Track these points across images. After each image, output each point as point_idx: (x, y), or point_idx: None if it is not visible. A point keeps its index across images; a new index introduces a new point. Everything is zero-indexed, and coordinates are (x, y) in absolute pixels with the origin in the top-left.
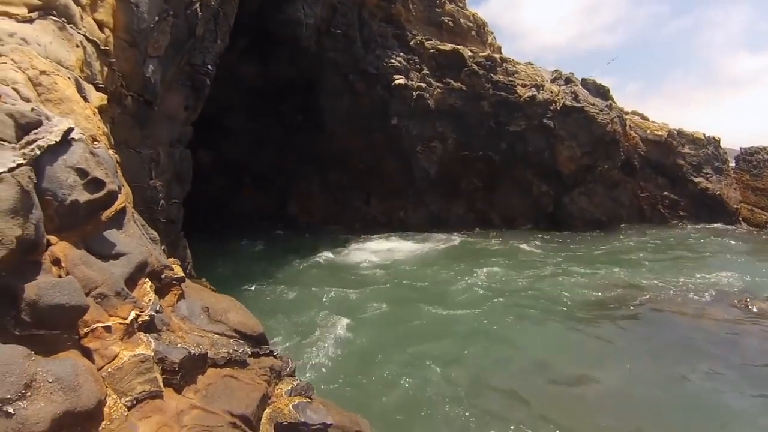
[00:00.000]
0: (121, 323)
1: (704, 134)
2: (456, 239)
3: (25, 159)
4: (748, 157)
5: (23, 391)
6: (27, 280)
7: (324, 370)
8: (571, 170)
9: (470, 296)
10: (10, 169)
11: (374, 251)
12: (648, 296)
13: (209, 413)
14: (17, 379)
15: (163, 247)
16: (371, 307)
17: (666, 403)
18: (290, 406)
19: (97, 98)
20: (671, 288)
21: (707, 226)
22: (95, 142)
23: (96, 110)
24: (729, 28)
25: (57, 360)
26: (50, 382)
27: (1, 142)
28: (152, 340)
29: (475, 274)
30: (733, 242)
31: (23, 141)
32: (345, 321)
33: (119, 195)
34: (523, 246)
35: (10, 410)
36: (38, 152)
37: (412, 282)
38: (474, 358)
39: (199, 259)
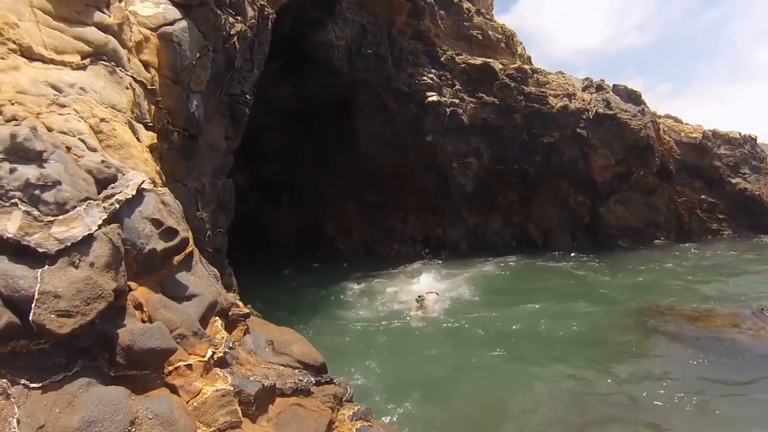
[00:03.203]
0: (200, 361)
1: (740, 133)
2: (497, 265)
3: (106, 213)
4: None
5: (129, 428)
6: (117, 325)
7: (377, 398)
8: (606, 179)
9: (512, 329)
10: (100, 226)
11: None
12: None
13: None
14: (123, 417)
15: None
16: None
17: None
18: (354, 430)
19: (148, 137)
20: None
21: (750, 240)
22: (156, 186)
23: (148, 149)
24: (756, 17)
25: (152, 398)
26: (150, 419)
27: (89, 200)
28: (228, 375)
29: (519, 305)
30: None
31: (102, 195)
32: (386, 353)
33: (189, 240)
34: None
35: None
36: (117, 206)
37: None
38: (525, 381)
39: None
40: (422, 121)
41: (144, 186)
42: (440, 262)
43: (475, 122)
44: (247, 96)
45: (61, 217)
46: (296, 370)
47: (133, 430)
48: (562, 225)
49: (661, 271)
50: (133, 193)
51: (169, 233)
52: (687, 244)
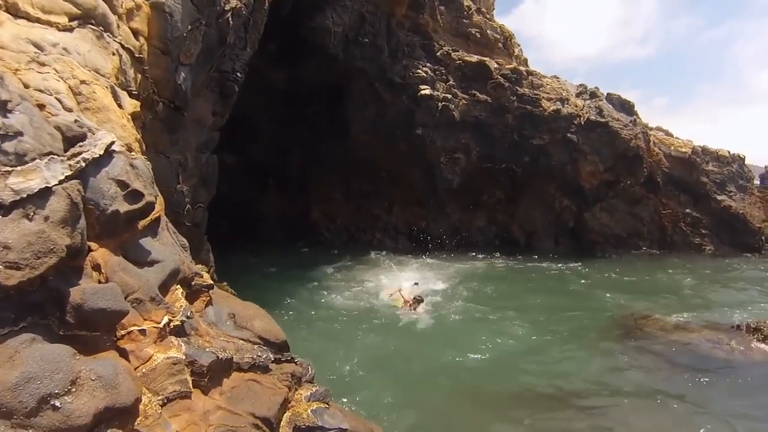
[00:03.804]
0: (155, 327)
1: (729, 151)
2: (479, 264)
3: (71, 171)
4: None
5: (69, 387)
6: (72, 285)
7: (344, 381)
8: (593, 185)
9: (489, 328)
10: (61, 182)
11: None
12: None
13: (234, 414)
14: (64, 376)
15: (211, 269)
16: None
17: None
18: (309, 410)
19: (131, 105)
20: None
21: (732, 257)
22: (131, 152)
23: (130, 116)
24: (760, 41)
25: (98, 360)
26: (93, 380)
27: (53, 155)
28: (183, 344)
29: (499, 305)
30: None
31: (69, 153)
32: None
33: (155, 205)
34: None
35: (57, 404)
36: (83, 165)
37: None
38: (499, 380)
39: (222, 264)
40: (413, 113)
41: (114, 148)
42: (423, 256)
43: (466, 119)
44: (238, 74)
45: (19, 168)
46: (256, 346)
47: (74, 390)
48: (546, 227)
49: (641, 281)
50: (101, 153)
51: (134, 196)
52: (669, 257)
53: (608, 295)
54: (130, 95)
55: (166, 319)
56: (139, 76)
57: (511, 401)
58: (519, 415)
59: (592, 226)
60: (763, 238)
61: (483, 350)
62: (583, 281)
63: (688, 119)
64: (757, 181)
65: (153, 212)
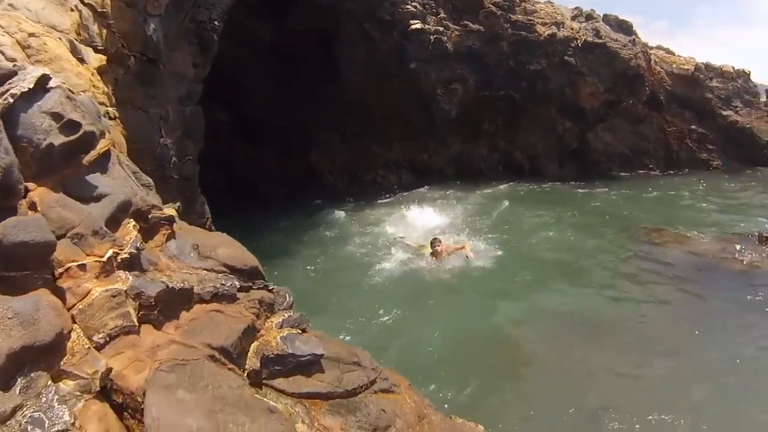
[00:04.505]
0: (97, 261)
1: (733, 67)
2: (488, 192)
3: None
4: None
5: None
6: None
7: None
8: (593, 106)
9: (507, 256)
10: None
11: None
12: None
13: (188, 347)
14: None
15: (178, 205)
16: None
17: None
18: (278, 337)
19: (96, 60)
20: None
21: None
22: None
23: (95, 71)
24: None
25: (21, 298)
26: (9, 318)
27: None
28: (131, 277)
29: (514, 233)
30: None
31: None
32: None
33: (102, 138)
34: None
35: None
36: (11, 100)
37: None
38: (500, 317)
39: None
40: (405, 49)
41: (51, 84)
42: (428, 189)
43: (459, 49)
44: (215, 23)
45: None
46: (221, 275)
47: None
48: (549, 151)
49: (650, 197)
50: (30, 86)
51: (70, 127)
52: (676, 173)
53: (619, 212)
54: (96, 50)
55: (110, 253)
56: (104, 30)
57: (532, 324)
58: (544, 336)
59: (596, 146)
60: None
61: (502, 279)
62: (592, 201)
63: (688, 42)
64: (763, 98)
65: (99, 146)
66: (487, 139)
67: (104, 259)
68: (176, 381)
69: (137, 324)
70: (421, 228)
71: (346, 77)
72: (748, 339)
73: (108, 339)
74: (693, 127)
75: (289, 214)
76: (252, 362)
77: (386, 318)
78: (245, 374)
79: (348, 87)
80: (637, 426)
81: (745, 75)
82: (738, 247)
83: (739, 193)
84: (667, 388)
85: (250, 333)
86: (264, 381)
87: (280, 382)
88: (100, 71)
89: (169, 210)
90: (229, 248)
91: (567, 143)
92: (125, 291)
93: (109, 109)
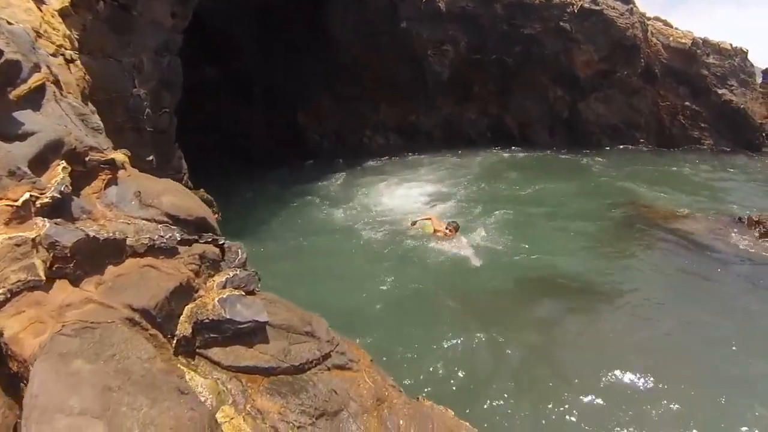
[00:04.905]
0: (9, 205)
1: (731, 44)
2: (478, 159)
3: None
4: None
5: None
6: None
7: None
8: (587, 75)
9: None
10: None
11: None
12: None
13: (105, 307)
14: None
15: (151, 157)
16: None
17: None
18: (216, 300)
19: (58, 1)
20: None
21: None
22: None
23: (55, 13)
24: None
25: None
26: None
27: None
28: (48, 224)
29: (500, 202)
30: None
31: None
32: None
33: (35, 73)
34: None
35: None
36: None
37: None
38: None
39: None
40: (397, 8)
41: None
42: (417, 154)
43: (453, 10)
44: None
45: None
46: (161, 226)
47: None
48: (540, 118)
49: (640, 172)
50: None
51: None
52: (667, 149)
53: (610, 185)
54: None
55: (27, 196)
56: None
57: (526, 290)
58: (533, 304)
59: (588, 116)
60: (764, 134)
61: (500, 242)
62: (583, 172)
63: (682, 19)
64: (759, 78)
65: (31, 80)
66: (478, 104)
67: (18, 203)
68: (77, 348)
69: (44, 278)
70: (410, 197)
71: (335, 36)
72: (734, 317)
73: (9, 295)
74: (687, 103)
75: (275, 174)
76: (183, 327)
77: (364, 289)
78: (174, 342)
79: (337, 46)
80: (619, 394)
81: (742, 54)
82: (727, 228)
83: (730, 176)
84: (651, 358)
85: (185, 293)
86: (198, 350)
87: (215, 353)
88: (63, 14)
89: (115, 154)
90: (175, 196)
91: (558, 111)
92: (33, 240)
93: (68, 51)
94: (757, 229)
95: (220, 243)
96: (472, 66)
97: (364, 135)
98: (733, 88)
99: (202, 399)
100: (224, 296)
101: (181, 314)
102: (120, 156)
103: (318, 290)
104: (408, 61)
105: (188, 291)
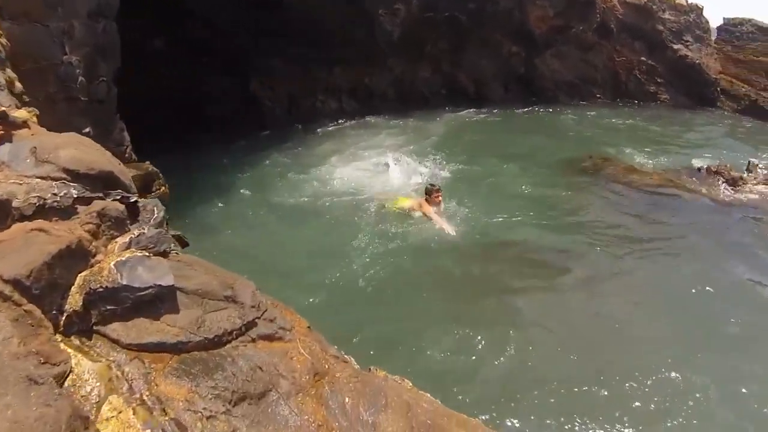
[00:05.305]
0: None
1: (686, 0)
2: (430, 117)
3: None
4: (730, 28)
5: None
6: None
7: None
8: (542, 31)
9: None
10: None
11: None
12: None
13: None
14: None
15: (88, 129)
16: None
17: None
18: (112, 263)
19: None
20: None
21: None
22: None
23: None
24: None
25: None
26: None
27: None
28: None
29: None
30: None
31: None
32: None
33: None
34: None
35: None
36: None
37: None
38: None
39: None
40: None
41: None
42: (369, 116)
43: None
44: None
45: None
46: (56, 183)
47: None
48: (494, 75)
49: (597, 126)
50: None
51: None
52: (623, 104)
53: (566, 140)
54: None
55: None
56: None
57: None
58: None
59: (543, 71)
60: (719, 89)
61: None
62: (539, 128)
63: None
64: (714, 34)
65: None
66: (431, 62)
67: None
68: None
69: None
70: (370, 167)
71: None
72: (701, 266)
73: None
74: (643, 58)
75: (230, 146)
76: (74, 300)
77: (328, 267)
78: (64, 318)
79: (289, 6)
80: (588, 357)
81: (698, 10)
82: (686, 179)
83: (686, 129)
84: (617, 317)
85: (77, 258)
86: (95, 327)
87: (114, 329)
88: None
89: (16, 111)
90: (75, 149)
91: (514, 68)
92: None
93: None
94: (716, 179)
95: (132, 200)
96: (425, 25)
97: (317, 99)
98: (688, 43)
99: (88, 388)
100: (123, 259)
101: (73, 282)
102: (22, 113)
103: (276, 269)
104: (360, 22)
105: (81, 256)
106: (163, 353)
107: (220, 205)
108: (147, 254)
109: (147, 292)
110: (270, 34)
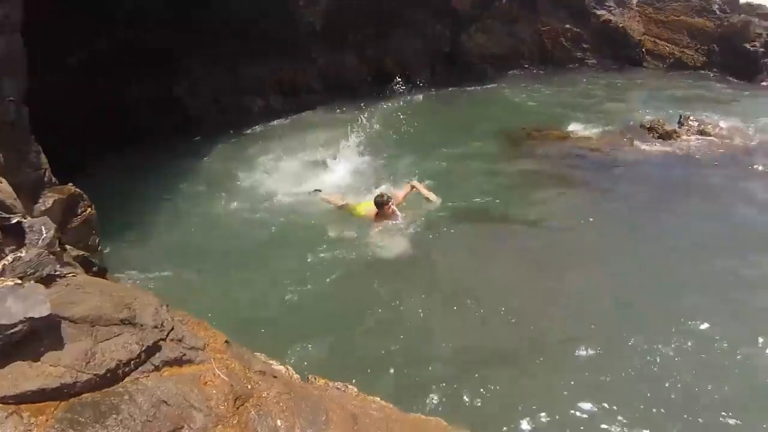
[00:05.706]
0: None
1: None
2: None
3: None
4: None
5: None
6: None
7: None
8: (466, 7)
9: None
10: None
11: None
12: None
13: None
14: None
15: None
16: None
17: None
18: None
19: None
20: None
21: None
22: None
23: None
24: None
25: None
26: None
27: None
28: None
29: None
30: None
31: None
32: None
33: None
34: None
35: None
36: None
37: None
38: None
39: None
40: None
41: None
42: (297, 114)
43: None
44: None
45: None
46: None
47: None
48: (420, 57)
49: (527, 97)
50: None
51: None
52: (552, 73)
53: (498, 115)
54: None
55: None
56: None
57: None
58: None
59: (469, 47)
60: (643, 50)
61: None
62: (469, 105)
63: None
64: None
65: None
66: (355, 50)
67: None
68: None
69: None
70: (308, 169)
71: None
72: (652, 223)
73: None
74: (567, 26)
75: (159, 158)
76: None
77: (276, 285)
78: None
79: (210, 6)
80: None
81: None
82: (621, 138)
83: (615, 91)
84: (573, 290)
85: None
86: None
87: None
88: None
89: None
90: None
91: (439, 48)
92: None
93: None
94: (651, 134)
95: (13, 222)
96: (346, 13)
97: (244, 99)
98: (611, 9)
99: None
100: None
101: None
102: None
103: (218, 295)
104: (280, 16)
105: None
106: (47, 401)
107: (152, 220)
108: (19, 282)
109: (18, 328)
110: (189, 33)
